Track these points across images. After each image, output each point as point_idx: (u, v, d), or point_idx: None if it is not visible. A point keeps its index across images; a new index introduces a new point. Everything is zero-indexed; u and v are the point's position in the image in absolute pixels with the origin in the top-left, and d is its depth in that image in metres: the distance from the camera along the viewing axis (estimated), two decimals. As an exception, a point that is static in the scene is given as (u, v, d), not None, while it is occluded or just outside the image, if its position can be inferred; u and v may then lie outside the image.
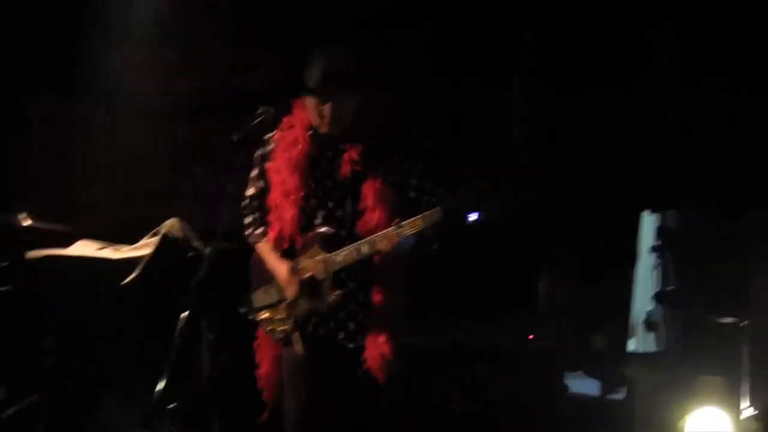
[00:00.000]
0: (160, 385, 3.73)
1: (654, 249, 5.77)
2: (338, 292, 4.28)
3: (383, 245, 4.14)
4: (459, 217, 4.04)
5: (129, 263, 5.70)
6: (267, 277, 4.47)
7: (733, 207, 5.01)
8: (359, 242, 4.21)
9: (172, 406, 5.40)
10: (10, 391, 5.76)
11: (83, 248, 5.87)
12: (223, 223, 4.31)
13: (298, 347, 4.37)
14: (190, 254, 5.69)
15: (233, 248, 4.54)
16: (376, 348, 4.35)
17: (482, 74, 6.46)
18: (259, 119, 4.14)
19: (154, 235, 5.82)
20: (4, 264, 5.74)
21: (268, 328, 4.47)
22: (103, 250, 5.83)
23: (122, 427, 5.67)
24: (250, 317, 4.51)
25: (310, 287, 4.32)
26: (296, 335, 4.37)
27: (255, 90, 5.51)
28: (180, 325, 3.82)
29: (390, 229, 4.13)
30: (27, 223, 5.78)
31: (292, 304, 4.37)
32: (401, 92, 5.83)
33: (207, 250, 4.32)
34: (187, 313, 3.85)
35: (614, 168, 5.86)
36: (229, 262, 4.59)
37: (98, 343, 5.76)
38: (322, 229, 4.32)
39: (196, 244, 5.69)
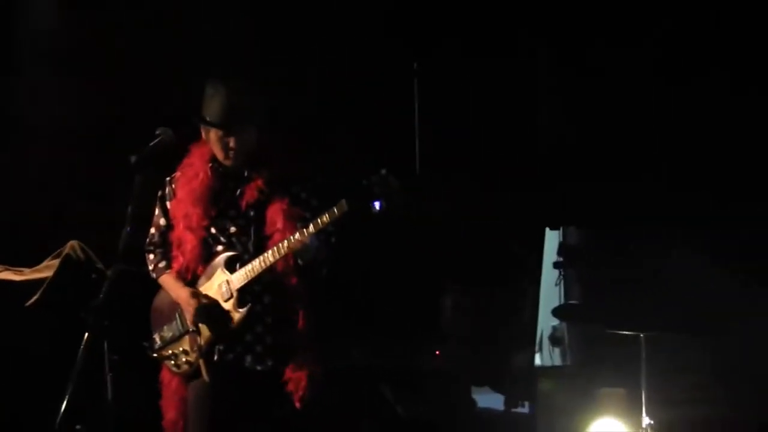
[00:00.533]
0: (63, 406, 3.66)
1: (556, 265, 5.87)
2: (244, 309, 4.27)
3: (292, 247, 4.15)
4: (364, 207, 4.06)
5: (32, 285, 5.64)
6: (167, 314, 4.46)
7: (629, 224, 5.12)
8: (264, 253, 4.23)
9: (77, 428, 5.36)
10: None
11: (-17, 270, 5.79)
12: (125, 244, 4.28)
13: (205, 375, 4.35)
14: (93, 276, 5.65)
15: (134, 270, 4.52)
16: (296, 371, 4.36)
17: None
18: (158, 140, 4.12)
19: (56, 257, 5.75)
20: None
21: (172, 362, 4.44)
22: (3, 273, 5.76)
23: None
24: (154, 355, 4.48)
25: (213, 310, 4.32)
26: (201, 362, 4.35)
27: (153, 114, 5.46)
28: (82, 346, 3.76)
29: (296, 233, 4.15)
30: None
31: (196, 333, 4.36)
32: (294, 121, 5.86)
33: (108, 272, 4.29)
34: (87, 334, 3.78)
35: (515, 185, 5.95)
36: (130, 283, 4.58)
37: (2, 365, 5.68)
38: (225, 253, 4.34)
39: (99, 266, 5.65)
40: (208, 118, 4.29)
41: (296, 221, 4.27)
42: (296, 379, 4.35)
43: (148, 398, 4.61)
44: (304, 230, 4.13)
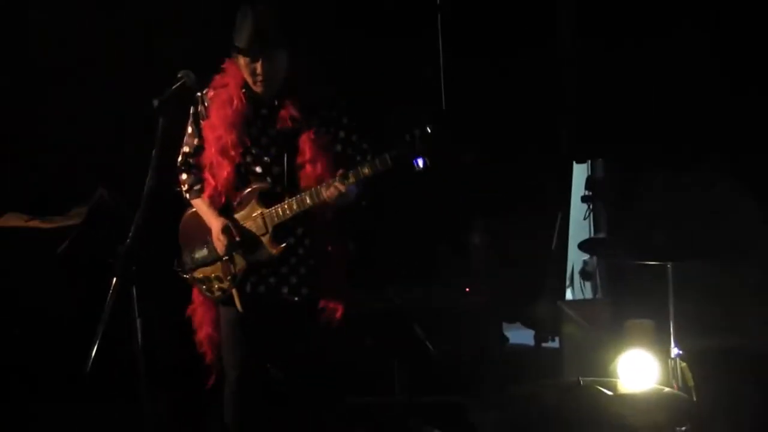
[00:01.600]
0: (93, 352, 3.70)
1: (584, 199, 5.84)
2: (281, 246, 4.30)
3: (329, 194, 4.16)
4: (407, 163, 4.06)
5: (61, 232, 5.70)
6: (199, 237, 4.48)
7: (656, 157, 5.08)
8: (302, 194, 4.23)
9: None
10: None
11: (14, 219, 5.84)
12: (150, 188, 4.30)
13: (238, 305, 4.38)
14: (121, 221, 5.69)
15: (160, 214, 4.53)
16: (332, 301, 4.42)
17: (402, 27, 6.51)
18: (179, 83, 4.12)
19: (84, 204, 5.80)
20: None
21: (204, 287, 4.48)
22: (32, 221, 5.81)
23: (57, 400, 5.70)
24: (185, 276, 4.51)
25: (247, 242, 4.34)
26: (234, 291, 4.38)
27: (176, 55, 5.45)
28: (111, 292, 3.79)
29: (334, 179, 4.15)
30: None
31: (229, 261, 4.38)
32: (323, 47, 5.83)
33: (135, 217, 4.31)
34: (116, 280, 3.81)
35: (539, 119, 5.92)
36: (157, 227, 4.60)
37: (32, 313, 5.77)
38: (259, 185, 4.34)
39: (126, 211, 5.68)
40: (236, 44, 4.26)
41: (325, 149, 4.27)
42: (332, 309, 4.41)
43: (176, 341, 4.67)
44: (345, 180, 4.13)
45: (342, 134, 4.37)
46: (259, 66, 4.25)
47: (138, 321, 3.91)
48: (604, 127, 5.25)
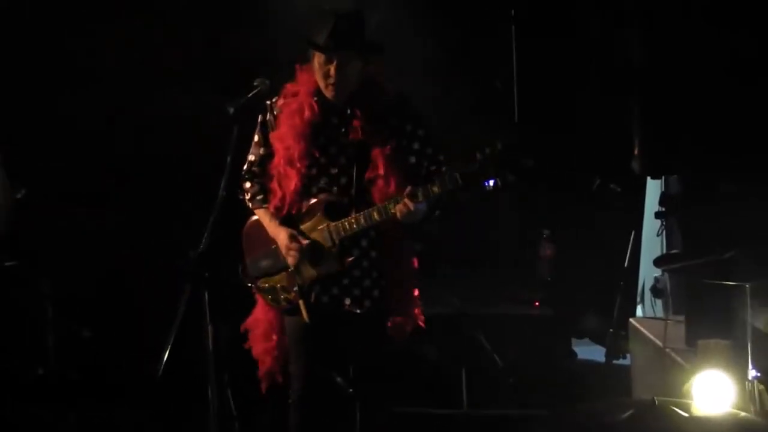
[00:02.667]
0: (165, 356, 3.72)
1: (658, 215, 5.75)
2: (350, 258, 4.28)
3: (397, 211, 4.12)
4: (478, 183, 3.99)
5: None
6: (263, 246, 4.46)
7: (733, 171, 4.99)
8: (370, 209, 4.19)
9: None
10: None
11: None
12: (222, 195, 4.32)
13: (304, 315, 4.37)
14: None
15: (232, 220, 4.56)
16: (400, 316, 4.38)
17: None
18: (255, 91, 4.13)
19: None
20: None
21: (270, 297, 4.47)
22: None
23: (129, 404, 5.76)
24: (249, 285, 4.51)
25: (313, 254, 4.32)
26: (301, 303, 4.37)
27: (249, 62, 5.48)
28: (183, 296, 3.81)
29: (404, 196, 4.09)
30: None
31: (295, 272, 4.37)
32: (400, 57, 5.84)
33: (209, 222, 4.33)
34: (188, 285, 3.83)
35: (611, 135, 5.86)
36: (227, 233, 4.62)
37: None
38: (326, 197, 4.30)
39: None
40: (315, 41, 4.21)
41: (399, 164, 4.23)
42: (400, 324, 4.38)
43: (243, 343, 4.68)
44: (414, 198, 4.06)
45: (416, 146, 4.31)
46: (333, 68, 4.20)
47: (210, 327, 3.92)
48: (679, 141, 5.17)
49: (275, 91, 4.34)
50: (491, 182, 3.95)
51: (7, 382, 5.94)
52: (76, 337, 5.94)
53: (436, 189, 4.04)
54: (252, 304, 4.60)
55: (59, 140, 6.36)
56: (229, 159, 4.11)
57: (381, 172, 4.23)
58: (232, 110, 4.03)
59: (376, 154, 4.25)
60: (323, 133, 4.32)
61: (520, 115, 6.70)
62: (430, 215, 4.29)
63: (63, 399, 5.72)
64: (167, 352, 3.70)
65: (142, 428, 5.84)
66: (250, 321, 4.58)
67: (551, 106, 6.57)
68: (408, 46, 6.23)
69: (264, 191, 4.45)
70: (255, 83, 4.15)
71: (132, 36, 6.47)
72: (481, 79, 6.69)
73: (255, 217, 4.55)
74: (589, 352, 6.70)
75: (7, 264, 5.75)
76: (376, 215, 4.17)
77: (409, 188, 4.09)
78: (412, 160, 4.28)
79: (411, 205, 4.07)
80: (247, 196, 4.51)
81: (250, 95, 4.11)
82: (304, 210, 4.35)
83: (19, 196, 5.68)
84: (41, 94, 6.35)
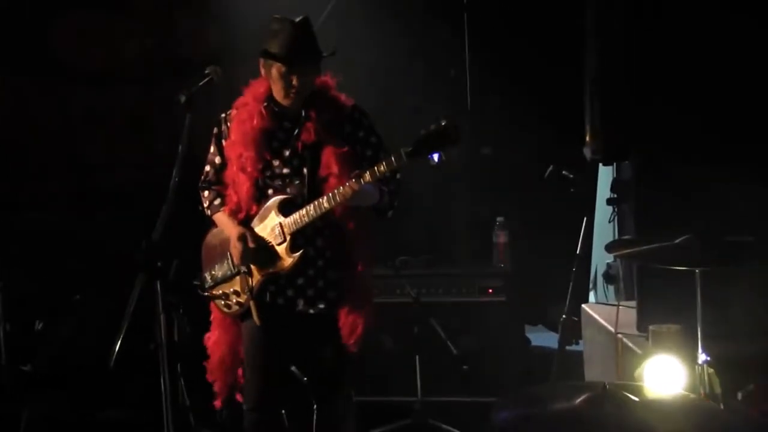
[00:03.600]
0: (116, 347, 3.70)
1: (609, 201, 5.79)
2: (297, 254, 4.28)
3: (345, 194, 4.14)
4: (422, 158, 4.04)
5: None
6: (219, 254, 4.50)
7: (685, 156, 5.02)
8: (320, 198, 4.22)
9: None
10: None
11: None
12: (176, 184, 4.30)
13: (255, 317, 4.38)
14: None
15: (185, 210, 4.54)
16: (351, 315, 4.39)
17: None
18: (207, 79, 4.13)
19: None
20: None
21: (222, 303, 4.48)
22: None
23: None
24: (205, 293, 4.52)
25: (264, 252, 4.33)
26: (252, 304, 4.37)
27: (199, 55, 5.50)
28: (135, 285, 3.79)
29: (350, 181, 4.13)
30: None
31: (247, 274, 4.38)
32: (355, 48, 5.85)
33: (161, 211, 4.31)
34: (140, 275, 3.81)
35: (563, 122, 5.90)
36: (181, 223, 4.60)
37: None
38: (279, 196, 4.34)
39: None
40: (274, 52, 4.26)
41: (352, 165, 4.25)
42: (352, 324, 4.38)
43: (198, 338, 4.67)
44: (360, 179, 4.11)
45: (369, 152, 4.37)
46: (295, 78, 4.26)
47: (162, 316, 3.90)
48: (630, 127, 5.20)
49: (229, 80, 4.34)
50: (435, 156, 4.02)
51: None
52: (29, 329, 5.90)
53: (381, 168, 4.09)
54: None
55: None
56: (180, 147, 4.11)
57: (334, 170, 4.29)
58: (183, 99, 4.03)
59: (329, 153, 4.31)
60: (276, 138, 4.38)
61: (473, 103, 6.72)
62: (383, 208, 4.32)
63: (15, 393, 5.68)
64: (119, 343, 3.68)
65: (96, 420, 5.80)
66: (209, 343, 4.58)
67: (504, 93, 6.59)
68: (363, 36, 6.24)
69: (221, 197, 4.51)
70: (207, 71, 4.16)
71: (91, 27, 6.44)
72: (435, 67, 6.70)
73: (213, 229, 4.57)
74: (543, 338, 6.75)
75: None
76: (325, 203, 4.20)
77: (356, 172, 4.14)
78: (365, 165, 4.29)
79: (356, 186, 4.10)
80: (206, 204, 4.56)
81: (201, 83, 4.11)
82: (259, 212, 4.36)
83: None
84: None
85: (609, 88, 5.23)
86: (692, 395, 3.84)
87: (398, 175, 4.38)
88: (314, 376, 4.49)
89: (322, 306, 4.39)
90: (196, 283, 4.56)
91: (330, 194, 4.19)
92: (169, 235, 3.96)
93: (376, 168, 4.10)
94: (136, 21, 6.56)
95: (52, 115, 6.52)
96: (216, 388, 4.62)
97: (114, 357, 3.69)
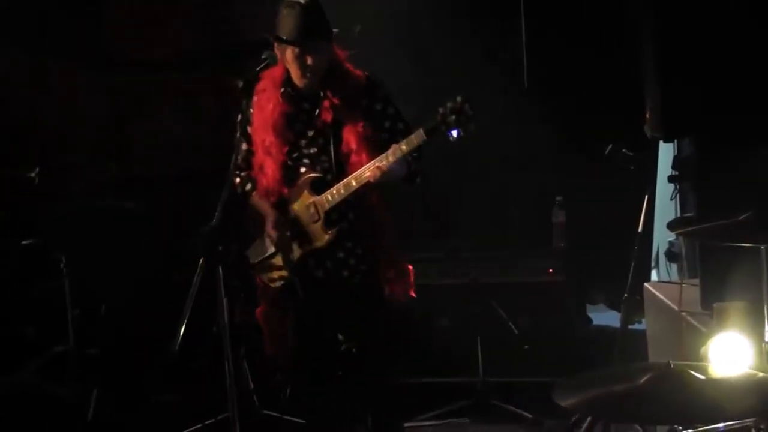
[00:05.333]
0: (180, 332, 3.74)
1: (671, 179, 5.72)
2: (331, 230, 4.36)
3: (371, 175, 4.24)
4: (441, 135, 4.18)
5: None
6: (262, 230, 4.56)
7: (747, 131, 4.94)
8: (348, 177, 4.34)
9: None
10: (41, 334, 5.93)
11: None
12: (235, 168, 4.35)
13: (299, 291, 4.46)
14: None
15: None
16: (393, 283, 4.50)
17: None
18: (264, 64, 4.17)
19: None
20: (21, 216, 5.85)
21: (267, 278, 4.56)
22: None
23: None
24: (251, 268, 4.59)
25: (301, 232, 4.41)
26: (295, 279, 4.46)
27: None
28: (197, 271, 3.83)
29: (375, 160, 4.23)
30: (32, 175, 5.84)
31: (286, 251, 4.46)
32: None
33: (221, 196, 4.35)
34: (202, 259, 3.84)
35: (624, 97, 5.83)
36: (241, 208, 4.66)
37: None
38: (310, 175, 4.45)
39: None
40: (285, 37, 4.31)
41: (369, 140, 4.33)
42: (395, 287, 4.45)
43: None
44: (385, 158, 4.21)
45: (387, 124, 4.47)
46: (309, 58, 4.33)
47: (225, 300, 3.94)
48: (691, 102, 5.12)
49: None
50: (454, 133, 4.17)
51: (27, 359, 6.01)
52: (95, 314, 5.99)
53: (404, 147, 4.23)
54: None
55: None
56: (238, 134, 4.17)
57: (353, 147, 4.39)
58: (241, 84, 4.07)
59: (348, 131, 4.40)
60: (298, 120, 4.47)
61: (530, 80, 6.68)
62: (410, 178, 4.42)
63: (83, 376, 5.78)
64: (183, 328, 3.72)
65: (160, 403, 5.88)
66: (260, 317, 4.66)
67: (561, 70, 6.54)
68: (416, 20, 6.24)
69: (251, 181, 4.62)
70: (263, 56, 4.20)
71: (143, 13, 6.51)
72: (488, 46, 6.67)
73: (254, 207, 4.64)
74: (605, 317, 6.70)
75: (25, 242, 5.81)
76: (353, 182, 4.34)
77: (382, 154, 4.29)
78: (385, 136, 4.38)
79: (382, 165, 4.25)
80: (239, 190, 4.61)
81: (258, 68, 4.15)
82: (291, 193, 4.44)
83: (33, 174, 5.74)
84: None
85: (670, 65, 5.15)
86: (759, 373, 3.78)
87: (414, 153, 4.44)
88: (364, 345, 4.54)
89: (364, 268, 4.48)
90: (246, 256, 4.64)
91: (357, 174, 4.32)
92: (228, 219, 4.02)
93: (398, 147, 4.23)
94: (190, 5, 6.60)
95: (103, 103, 6.59)
96: (274, 361, 4.69)
97: (179, 341, 3.72)
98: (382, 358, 4.59)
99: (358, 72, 4.48)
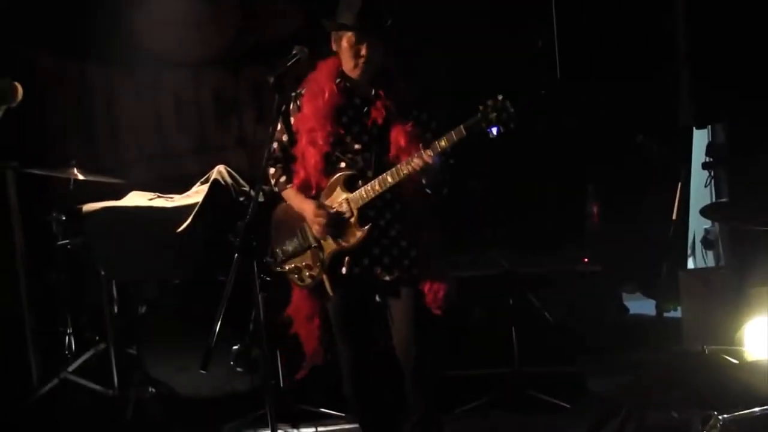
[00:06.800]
0: (216, 327, 3.76)
1: (705, 165, 5.71)
2: (366, 227, 4.34)
3: (417, 165, 4.20)
4: (481, 133, 4.13)
5: (182, 211, 5.80)
6: (289, 229, 4.55)
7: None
8: (384, 173, 4.28)
9: (235, 348, 5.56)
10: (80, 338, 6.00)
11: (136, 199, 5.98)
12: (267, 164, 4.38)
13: (329, 289, 4.44)
14: (241, 199, 5.78)
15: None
16: (433, 282, 4.43)
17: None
18: (294, 59, 4.17)
19: (204, 182, 5.90)
20: (63, 218, 5.90)
21: (296, 277, 4.55)
22: (155, 200, 5.93)
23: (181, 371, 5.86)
24: (277, 268, 4.59)
25: (336, 224, 4.39)
26: (325, 277, 4.44)
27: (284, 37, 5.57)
28: (232, 267, 3.85)
29: (412, 156, 4.21)
30: (80, 176, 5.91)
31: (318, 248, 4.45)
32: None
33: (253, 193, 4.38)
34: (237, 255, 3.87)
35: (655, 86, 5.81)
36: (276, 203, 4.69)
37: (155, 290, 5.93)
38: (344, 171, 4.40)
39: (245, 188, 5.77)
40: (343, 21, 4.30)
41: (418, 143, 4.29)
42: (434, 290, 4.43)
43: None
44: (424, 153, 4.18)
45: (429, 136, 4.40)
46: (364, 48, 4.30)
47: (260, 296, 3.97)
48: (724, 90, 5.11)
49: (315, 60, 4.40)
50: (494, 130, 4.13)
51: (66, 357, 6.08)
52: (135, 313, 6.05)
53: (443, 143, 4.17)
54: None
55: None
56: (271, 129, 4.19)
57: (403, 146, 4.32)
58: (272, 79, 4.09)
59: (398, 131, 4.34)
60: (346, 113, 4.42)
61: (563, 71, 6.67)
62: (440, 185, 4.38)
63: (122, 373, 5.84)
64: (219, 323, 3.74)
65: (198, 400, 5.93)
66: (291, 308, 4.66)
67: (594, 61, 6.52)
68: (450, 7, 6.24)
69: (288, 173, 4.54)
70: (294, 51, 4.20)
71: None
72: (522, 36, 6.67)
73: (281, 204, 4.64)
74: (640, 306, 6.68)
75: (71, 242, 5.88)
76: (389, 178, 4.27)
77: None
78: (428, 136, 4.35)
79: (428, 158, 4.18)
80: (273, 182, 4.60)
81: (289, 63, 4.16)
82: (325, 187, 4.42)
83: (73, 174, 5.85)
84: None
85: (702, 52, 5.14)
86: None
87: (451, 160, 4.41)
88: (399, 343, 4.54)
89: (398, 273, 4.44)
90: (268, 260, 4.63)
91: (394, 170, 4.26)
92: (262, 216, 4.04)
93: (438, 143, 4.18)
94: (220, 4, 6.65)
95: (141, 102, 6.66)
96: (305, 347, 4.69)
97: (215, 336, 3.74)
98: (420, 352, 4.55)
99: (409, 79, 4.44)
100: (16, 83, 5.11)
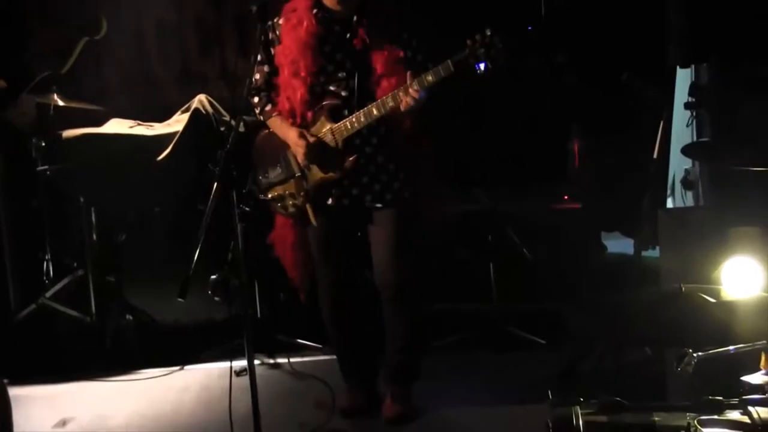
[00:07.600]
0: (195, 257, 3.75)
1: (687, 105, 5.69)
2: (352, 157, 4.33)
3: (395, 102, 4.19)
4: (468, 68, 4.12)
5: (162, 139, 5.78)
6: (272, 157, 4.54)
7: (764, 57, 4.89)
8: (369, 106, 4.28)
9: (213, 277, 5.57)
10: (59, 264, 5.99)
11: (117, 126, 5.94)
12: (249, 94, 4.35)
13: (312, 219, 4.44)
14: (222, 129, 5.75)
15: (259, 121, 4.59)
16: (428, 199, 4.50)
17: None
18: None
19: (185, 111, 5.86)
20: (43, 143, 5.85)
21: (279, 205, 4.54)
22: (136, 128, 5.90)
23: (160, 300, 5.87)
24: (260, 196, 4.58)
25: (320, 154, 4.37)
26: (308, 206, 4.44)
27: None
28: (212, 196, 3.83)
29: (398, 89, 4.19)
30: (60, 103, 5.86)
31: (302, 178, 4.43)
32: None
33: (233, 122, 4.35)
34: (216, 184, 3.85)
35: (638, 24, 5.77)
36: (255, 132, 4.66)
37: (135, 218, 5.91)
38: (329, 102, 4.38)
39: (225, 117, 5.74)
40: None
41: (404, 68, 4.27)
42: (430, 209, 4.47)
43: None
44: (411, 88, 4.14)
45: (409, 53, 4.38)
46: None
47: (239, 226, 3.96)
48: (708, 29, 5.07)
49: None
50: (481, 66, 4.10)
51: (44, 283, 6.07)
52: (114, 240, 6.04)
53: (430, 78, 4.16)
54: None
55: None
56: (252, 58, 4.15)
57: (383, 71, 4.33)
58: (254, 9, 4.04)
59: (377, 56, 4.33)
60: (327, 42, 4.40)
61: (546, 11, 6.62)
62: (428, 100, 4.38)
63: (100, 301, 5.85)
64: (197, 252, 3.73)
65: (176, 328, 5.95)
66: (274, 234, 4.66)
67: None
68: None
69: (272, 102, 4.54)
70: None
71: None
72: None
73: (264, 132, 4.61)
74: (619, 245, 6.71)
75: (51, 169, 5.85)
76: (374, 110, 4.27)
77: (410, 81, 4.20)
78: (408, 54, 4.36)
79: (416, 94, 4.17)
80: (257, 110, 4.59)
81: (271, -9, 4.12)
82: (310, 118, 4.38)
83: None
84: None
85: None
86: (771, 297, 3.79)
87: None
88: (378, 266, 4.55)
89: (390, 197, 4.43)
90: (252, 187, 4.63)
91: (380, 102, 4.26)
92: (243, 147, 4.01)
93: (424, 77, 4.17)
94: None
95: (122, 29, 6.59)
96: (295, 283, 4.72)
97: (193, 265, 3.73)
98: (400, 278, 4.54)
99: (390, 3, 4.43)
100: (102, 17, 5.04)
